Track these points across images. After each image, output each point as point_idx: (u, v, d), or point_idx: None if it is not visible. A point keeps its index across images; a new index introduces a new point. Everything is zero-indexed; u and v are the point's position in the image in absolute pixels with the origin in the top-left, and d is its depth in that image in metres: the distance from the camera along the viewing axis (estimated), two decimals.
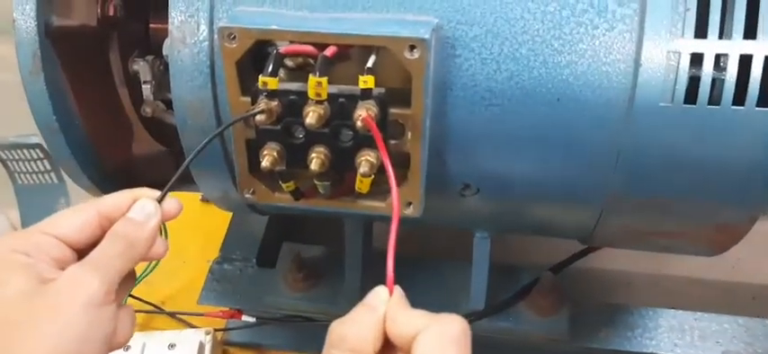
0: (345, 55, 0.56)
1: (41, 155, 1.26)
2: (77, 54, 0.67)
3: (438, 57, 0.56)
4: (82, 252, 0.49)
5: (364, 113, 0.53)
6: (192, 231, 1.08)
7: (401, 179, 0.60)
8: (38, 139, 1.15)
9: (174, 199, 0.53)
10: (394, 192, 0.49)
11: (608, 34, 0.55)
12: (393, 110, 0.56)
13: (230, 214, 1.03)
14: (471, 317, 0.84)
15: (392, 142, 0.57)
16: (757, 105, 0.54)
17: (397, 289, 0.46)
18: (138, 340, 0.92)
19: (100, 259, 0.48)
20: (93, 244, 0.49)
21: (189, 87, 0.61)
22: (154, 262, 0.70)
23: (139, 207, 0.51)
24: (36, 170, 1.28)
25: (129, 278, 0.52)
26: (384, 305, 0.44)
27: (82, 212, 0.50)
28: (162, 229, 0.55)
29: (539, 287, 0.85)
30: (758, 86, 0.53)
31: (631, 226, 0.67)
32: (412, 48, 0.53)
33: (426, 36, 0.53)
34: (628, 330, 0.88)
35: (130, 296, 0.90)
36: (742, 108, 0.54)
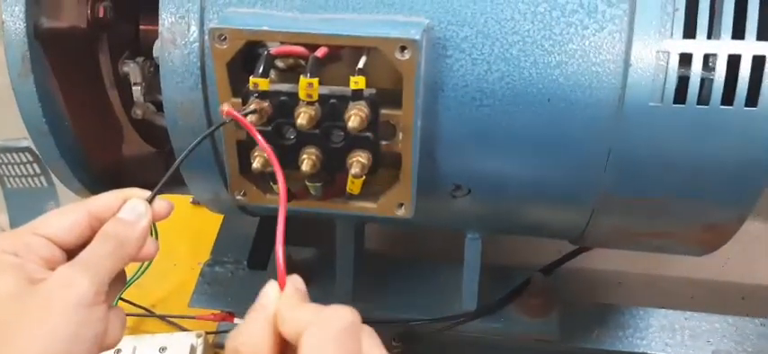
0: (336, 56, 0.56)
1: (31, 159, 1.25)
2: (67, 56, 0.66)
3: (429, 58, 0.56)
4: (72, 253, 0.48)
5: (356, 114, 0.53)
6: (182, 233, 1.08)
7: (393, 180, 0.60)
8: (28, 143, 1.14)
9: (164, 200, 0.53)
10: (280, 179, 0.49)
11: (598, 34, 0.56)
12: (384, 111, 0.56)
13: (221, 216, 1.03)
14: (463, 318, 0.84)
15: (383, 143, 0.57)
16: (745, 105, 0.54)
17: (291, 283, 0.44)
18: (128, 343, 0.92)
19: (90, 259, 0.47)
20: (83, 245, 0.48)
21: (179, 88, 0.60)
22: (144, 265, 0.69)
23: (130, 207, 0.50)
24: (26, 173, 1.28)
25: (120, 279, 0.51)
26: (274, 303, 0.43)
27: (72, 212, 0.50)
28: (152, 231, 0.55)
29: (530, 287, 0.85)
30: (746, 86, 0.54)
31: (622, 226, 0.67)
32: (403, 48, 0.53)
33: (417, 37, 0.53)
34: (619, 330, 0.88)
35: (121, 299, 0.90)
36: (731, 108, 0.54)
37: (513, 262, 0.92)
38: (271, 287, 0.44)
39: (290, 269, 0.90)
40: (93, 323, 0.46)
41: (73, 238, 0.49)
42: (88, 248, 0.48)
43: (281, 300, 0.43)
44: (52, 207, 1.23)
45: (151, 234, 0.52)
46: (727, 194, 0.60)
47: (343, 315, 0.41)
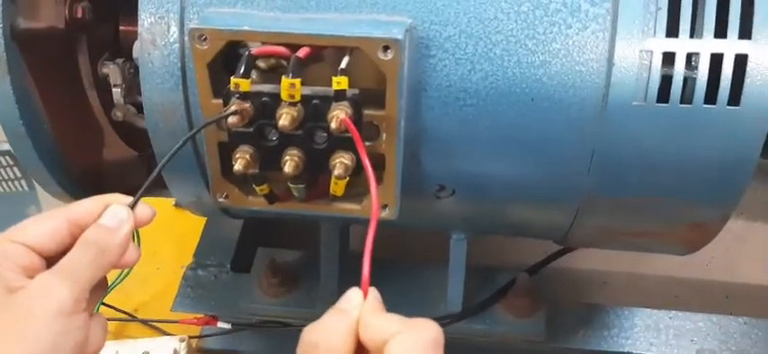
0: (318, 56, 0.55)
1: (11, 162, 1.23)
2: (45, 57, 0.65)
3: (412, 58, 0.56)
4: (51, 261, 0.47)
5: (341, 115, 0.52)
6: (165, 236, 1.07)
7: (377, 181, 0.60)
8: (7, 146, 1.13)
9: (146, 205, 0.52)
10: (373, 192, 0.49)
11: (581, 34, 0.55)
12: (367, 112, 0.55)
13: (205, 218, 1.02)
14: (448, 320, 0.84)
15: (367, 144, 0.57)
16: (728, 104, 0.54)
17: (372, 292, 0.45)
18: (110, 348, 0.91)
19: (70, 266, 0.46)
20: (63, 252, 0.48)
21: (160, 90, 0.60)
22: (127, 269, 0.69)
23: (111, 213, 0.50)
24: (5, 177, 1.26)
25: (101, 287, 0.50)
26: (357, 309, 0.43)
27: (51, 219, 0.49)
28: (134, 235, 0.54)
29: (515, 288, 0.85)
30: (729, 85, 0.54)
31: (606, 226, 0.67)
32: (385, 48, 0.53)
33: (400, 36, 0.53)
34: (604, 329, 0.88)
35: (103, 303, 0.89)
36: (713, 107, 0.54)
37: (498, 263, 0.92)
38: (354, 293, 0.44)
39: (274, 271, 0.90)
40: (74, 332, 0.45)
41: (53, 245, 0.48)
42: (68, 255, 0.47)
43: (366, 306, 0.44)
44: (34, 211, 1.22)
45: (133, 240, 0.51)
46: (710, 193, 0.60)
47: (431, 327, 0.42)
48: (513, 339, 0.86)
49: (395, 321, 0.43)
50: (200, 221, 1.02)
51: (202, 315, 0.95)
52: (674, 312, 0.89)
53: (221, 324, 0.95)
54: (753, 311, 0.92)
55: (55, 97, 0.67)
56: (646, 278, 1.05)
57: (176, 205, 1.04)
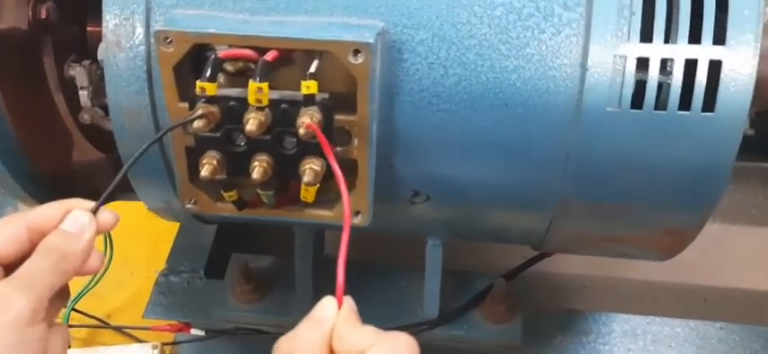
0: (288, 59, 0.54)
1: None
2: (7, 58, 0.64)
3: (384, 62, 0.55)
4: (9, 268, 0.46)
5: (307, 120, 0.51)
6: (139, 241, 1.05)
7: (348, 187, 0.59)
8: None
9: (109, 211, 0.50)
10: (345, 200, 0.48)
11: (554, 38, 0.55)
12: (338, 117, 0.54)
13: (178, 224, 1.00)
14: (424, 326, 0.83)
15: (338, 149, 0.56)
16: (703, 110, 0.54)
17: (347, 302, 0.44)
18: None
19: (28, 274, 0.45)
20: (22, 259, 0.46)
21: (125, 93, 0.58)
22: (99, 274, 0.67)
23: (73, 218, 0.48)
24: None
25: (62, 295, 0.49)
26: (332, 319, 0.43)
27: (9, 225, 0.47)
28: (106, 240, 0.53)
29: (492, 294, 0.84)
30: (703, 91, 0.53)
31: (582, 232, 0.67)
32: (356, 52, 0.52)
33: (371, 40, 0.52)
34: (582, 335, 0.88)
35: (74, 309, 0.87)
36: (688, 113, 0.54)
37: (474, 268, 0.91)
38: (329, 302, 0.44)
39: (247, 277, 0.88)
40: (31, 343, 0.44)
41: (11, 253, 0.47)
42: (27, 263, 0.46)
43: (340, 317, 0.43)
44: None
45: (105, 245, 0.50)
46: (685, 199, 0.59)
47: (405, 339, 0.42)
48: (489, 345, 0.85)
49: (369, 333, 0.42)
50: (175, 226, 1.01)
51: (175, 322, 0.93)
52: (651, 317, 0.89)
53: (195, 331, 0.93)
54: (731, 314, 0.92)
55: (19, 99, 0.65)
56: (625, 282, 1.04)
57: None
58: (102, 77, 0.65)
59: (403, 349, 0.42)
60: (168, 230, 1.00)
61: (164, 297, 0.90)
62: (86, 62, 0.66)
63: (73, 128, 0.71)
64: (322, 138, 0.50)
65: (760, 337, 0.88)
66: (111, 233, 0.53)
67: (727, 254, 1.05)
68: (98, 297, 0.93)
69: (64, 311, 0.79)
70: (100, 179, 0.73)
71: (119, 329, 0.98)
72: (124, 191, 0.64)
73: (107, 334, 0.98)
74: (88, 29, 0.70)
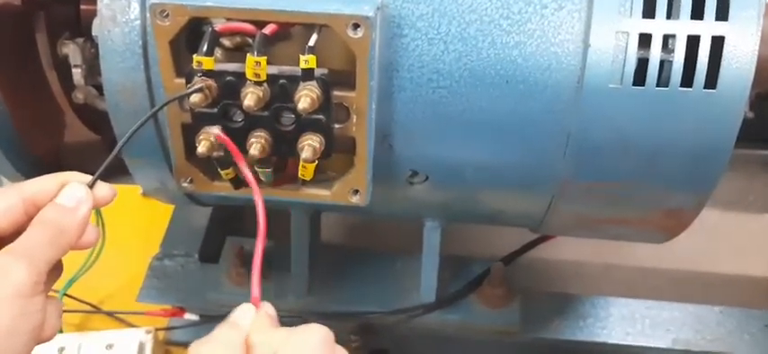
0: (286, 34, 0.53)
1: None
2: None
3: (383, 37, 0.54)
4: (4, 240, 0.45)
5: (307, 94, 0.51)
6: (132, 225, 1.04)
7: (347, 165, 0.58)
8: None
9: (106, 185, 0.50)
10: (256, 193, 0.49)
11: (557, 14, 0.54)
12: (337, 93, 0.54)
13: (172, 207, 0.99)
14: (422, 310, 0.83)
15: (337, 126, 0.55)
16: (705, 87, 0.53)
17: (264, 308, 0.46)
18: (73, 341, 0.88)
19: (27, 246, 0.44)
20: (17, 232, 0.45)
21: (120, 69, 0.57)
22: (91, 259, 0.66)
23: (69, 192, 0.48)
24: None
25: (57, 269, 0.48)
26: (250, 325, 0.44)
27: (4, 196, 0.47)
28: (98, 220, 0.52)
29: (489, 278, 0.84)
30: (705, 68, 0.53)
31: (582, 213, 0.66)
32: (355, 26, 0.51)
33: (370, 14, 0.51)
34: (579, 319, 0.87)
35: (66, 295, 0.86)
36: (690, 90, 0.53)
37: (472, 252, 0.91)
38: (247, 309, 0.46)
39: (244, 261, 0.88)
40: (31, 314, 0.43)
41: (6, 224, 0.46)
42: (25, 235, 0.45)
43: (253, 325, 0.45)
44: None
45: (97, 224, 0.49)
46: (686, 178, 0.59)
47: (317, 330, 0.43)
48: (487, 329, 0.85)
49: (281, 332, 0.44)
50: (168, 210, 1.00)
51: (169, 307, 0.92)
52: (649, 301, 0.89)
53: (189, 316, 0.92)
54: (728, 300, 0.91)
55: (11, 78, 0.64)
56: (622, 267, 1.04)
57: (144, 194, 1.02)
58: (96, 55, 0.63)
59: (315, 341, 0.42)
60: (161, 215, 0.99)
61: (158, 281, 0.89)
62: (80, 40, 0.65)
63: (67, 108, 0.70)
64: (229, 143, 0.52)
65: (758, 321, 0.87)
66: (104, 216, 0.52)
67: (724, 241, 1.05)
68: (90, 283, 0.90)
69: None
70: (93, 161, 0.72)
71: (111, 314, 0.96)
72: (120, 174, 0.63)
73: (100, 319, 0.97)
74: (81, 6, 0.68)
